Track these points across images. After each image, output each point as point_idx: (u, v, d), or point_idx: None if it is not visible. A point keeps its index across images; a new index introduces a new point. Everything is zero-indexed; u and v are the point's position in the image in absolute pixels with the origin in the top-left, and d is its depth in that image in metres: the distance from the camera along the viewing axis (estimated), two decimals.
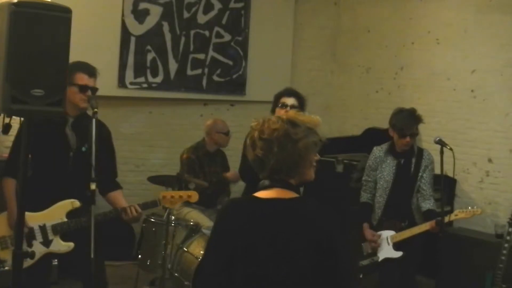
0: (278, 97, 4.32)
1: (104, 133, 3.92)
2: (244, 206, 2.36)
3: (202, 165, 5.84)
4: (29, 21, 2.85)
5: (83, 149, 3.74)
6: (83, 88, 3.74)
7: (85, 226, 3.68)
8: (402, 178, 4.70)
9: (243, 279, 2.24)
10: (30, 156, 3.61)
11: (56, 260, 4.07)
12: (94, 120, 3.53)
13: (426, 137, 6.37)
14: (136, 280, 5.25)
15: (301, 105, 4.30)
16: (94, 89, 3.80)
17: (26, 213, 3.54)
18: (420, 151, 4.77)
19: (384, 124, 6.79)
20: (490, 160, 5.91)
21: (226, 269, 2.26)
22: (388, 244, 4.66)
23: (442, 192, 4.95)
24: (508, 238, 4.66)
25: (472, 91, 6.07)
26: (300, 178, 2.34)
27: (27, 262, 3.56)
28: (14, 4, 2.81)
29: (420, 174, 4.69)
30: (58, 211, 3.68)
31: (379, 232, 4.68)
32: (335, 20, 7.55)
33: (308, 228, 2.22)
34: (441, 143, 4.85)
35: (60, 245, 3.69)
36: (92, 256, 3.40)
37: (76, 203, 3.69)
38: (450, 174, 5.59)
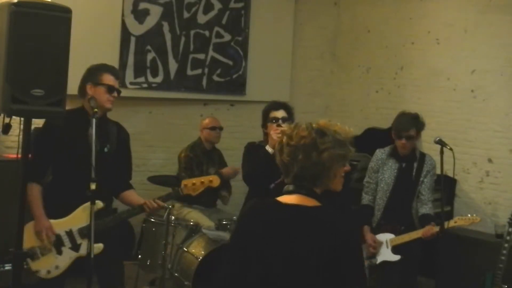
0: (267, 112, 4.33)
1: (123, 135, 3.94)
2: (265, 209, 2.34)
3: (200, 163, 5.84)
4: (29, 21, 2.85)
5: (105, 149, 3.74)
6: (110, 89, 3.76)
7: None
8: (403, 182, 4.71)
9: (255, 281, 2.23)
10: (50, 159, 3.64)
11: None
12: (94, 120, 3.53)
13: (426, 137, 6.37)
14: (136, 280, 5.25)
15: (290, 115, 4.32)
16: (119, 92, 3.82)
17: (51, 220, 3.57)
18: (423, 156, 4.79)
19: (384, 124, 6.81)
20: (490, 160, 5.91)
21: (242, 269, 2.26)
22: (387, 247, 4.64)
23: (442, 192, 4.95)
24: (508, 238, 4.66)
25: (472, 91, 6.07)
26: (324, 187, 2.31)
27: (58, 270, 3.58)
28: (14, 4, 2.81)
29: (421, 179, 4.70)
30: (82, 215, 3.62)
31: (378, 235, 4.67)
32: (335, 20, 7.55)
33: (326, 236, 2.18)
34: (441, 143, 4.85)
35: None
36: (92, 256, 3.40)
37: (100, 204, 3.60)
38: (450, 174, 5.58)
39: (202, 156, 5.88)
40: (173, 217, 5.06)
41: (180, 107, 6.83)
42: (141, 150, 6.67)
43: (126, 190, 3.98)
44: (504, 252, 4.63)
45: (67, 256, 3.62)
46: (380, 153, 4.86)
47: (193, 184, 4.01)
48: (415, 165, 4.73)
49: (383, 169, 4.77)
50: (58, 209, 3.63)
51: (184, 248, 5.02)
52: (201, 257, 4.85)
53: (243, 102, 7.08)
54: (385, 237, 4.67)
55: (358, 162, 6.28)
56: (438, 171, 4.82)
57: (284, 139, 2.29)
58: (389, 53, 6.91)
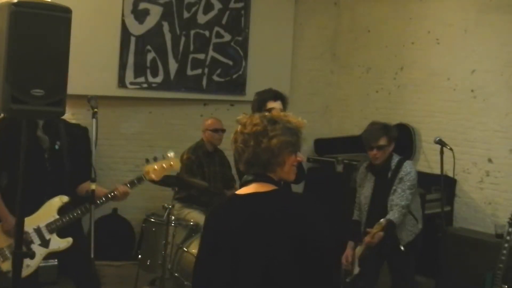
0: (264, 101, 4.20)
1: (73, 130, 3.97)
2: (224, 205, 2.44)
3: (201, 165, 5.84)
4: (29, 21, 2.85)
5: (56, 147, 3.77)
6: None
7: (78, 218, 3.74)
8: (379, 194, 4.54)
9: (228, 276, 2.28)
10: (5, 164, 3.66)
11: (56, 260, 4.06)
12: (94, 120, 3.54)
13: (426, 137, 6.39)
14: (136, 280, 5.25)
15: (286, 106, 4.25)
16: None
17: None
18: (400, 164, 4.54)
19: None
20: (490, 160, 5.91)
21: (214, 268, 2.32)
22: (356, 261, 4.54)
23: (442, 192, 4.96)
24: (508, 238, 4.66)
25: (472, 91, 6.07)
26: (277, 175, 2.38)
27: (30, 269, 3.58)
28: (14, 4, 2.81)
29: (394, 187, 4.47)
30: (48, 210, 3.70)
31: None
32: (335, 20, 7.55)
33: (289, 221, 2.24)
34: (441, 143, 4.85)
35: (59, 242, 3.71)
36: (92, 256, 3.40)
37: (65, 198, 3.73)
38: (450, 174, 5.59)
39: (203, 157, 5.87)
40: (173, 217, 5.07)
41: (180, 107, 6.83)
42: (141, 150, 6.68)
43: (82, 182, 3.92)
44: (504, 252, 4.63)
45: (38, 253, 3.64)
46: (362, 168, 4.73)
47: (154, 170, 4.03)
48: (389, 174, 4.52)
49: (364, 184, 4.66)
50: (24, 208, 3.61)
51: (184, 248, 5.02)
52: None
53: (243, 102, 7.07)
54: (357, 250, 4.55)
55: (358, 162, 6.28)
56: (438, 171, 4.81)
57: (239, 127, 2.41)
58: (389, 53, 6.90)
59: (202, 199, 5.73)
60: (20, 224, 2.99)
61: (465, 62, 6.12)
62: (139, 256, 5.27)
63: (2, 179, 3.75)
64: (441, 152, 4.81)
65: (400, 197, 4.42)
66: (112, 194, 3.88)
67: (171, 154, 4.14)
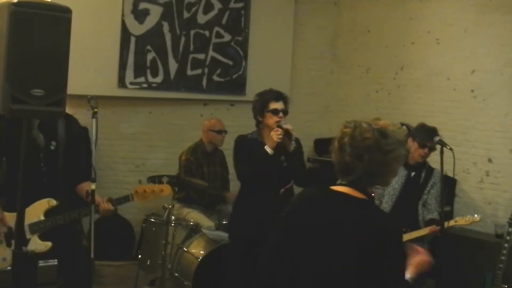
0: (266, 101, 4.25)
1: (74, 129, 3.89)
2: (318, 196, 2.44)
3: (200, 166, 5.83)
4: (29, 21, 2.85)
5: (52, 147, 3.74)
6: None
7: (61, 224, 3.69)
8: (410, 189, 4.81)
9: (293, 264, 2.31)
10: (4, 160, 3.65)
11: (55, 260, 4.06)
12: (94, 120, 3.53)
13: None
14: (136, 280, 5.25)
15: (286, 106, 4.31)
16: None
17: (6, 213, 3.57)
18: (431, 169, 4.90)
19: None
20: (490, 160, 5.91)
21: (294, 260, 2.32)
22: None
23: (442, 192, 4.95)
24: (508, 238, 4.66)
25: (472, 91, 6.07)
26: (378, 184, 2.42)
27: (5, 263, 3.58)
28: (14, 4, 2.81)
29: (428, 189, 4.82)
30: (35, 211, 3.66)
31: None
32: (335, 20, 7.55)
33: (369, 228, 2.24)
34: (441, 143, 4.85)
35: (37, 244, 3.66)
36: (92, 256, 3.40)
37: (52, 202, 3.68)
38: (450, 174, 5.57)
39: (202, 158, 5.86)
40: (173, 217, 5.07)
41: (180, 107, 6.83)
42: (141, 150, 6.68)
43: (81, 182, 3.87)
44: (504, 252, 4.63)
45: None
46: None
47: (144, 191, 4.00)
48: (423, 174, 4.86)
49: None
50: (11, 204, 3.59)
51: (184, 248, 5.02)
52: (201, 257, 4.85)
53: (243, 102, 7.07)
54: None
55: None
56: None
57: (346, 139, 2.35)
58: (389, 53, 6.90)
59: (201, 199, 5.74)
60: (20, 224, 2.99)
61: (465, 62, 6.12)
62: (139, 256, 5.27)
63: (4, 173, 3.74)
64: (441, 152, 4.79)
65: (435, 202, 4.80)
66: (96, 207, 3.75)
67: (165, 180, 4.25)
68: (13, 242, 3.57)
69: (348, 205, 2.31)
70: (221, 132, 5.91)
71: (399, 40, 6.80)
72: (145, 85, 6.44)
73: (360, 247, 2.19)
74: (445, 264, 5.09)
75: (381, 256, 2.18)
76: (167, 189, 4.10)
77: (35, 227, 3.66)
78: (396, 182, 4.80)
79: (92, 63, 5.97)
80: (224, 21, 6.79)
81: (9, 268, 3.57)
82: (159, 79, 6.50)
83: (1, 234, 3.60)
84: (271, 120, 4.23)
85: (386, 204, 4.81)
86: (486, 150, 5.93)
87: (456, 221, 4.67)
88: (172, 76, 6.56)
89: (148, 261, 5.15)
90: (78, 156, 3.90)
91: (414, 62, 6.65)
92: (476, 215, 4.67)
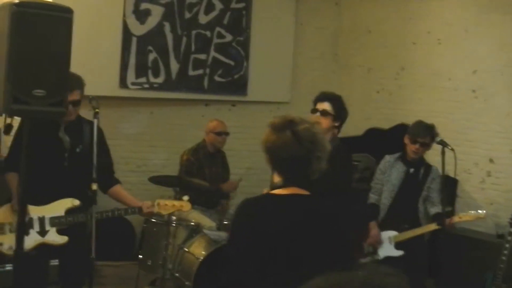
0: (315, 101, 4.32)
1: (97, 134, 3.95)
2: (267, 204, 2.46)
3: (201, 166, 5.83)
4: (30, 22, 2.86)
5: (77, 150, 3.87)
6: (75, 103, 3.82)
7: (81, 222, 3.81)
8: (409, 185, 4.83)
9: (279, 276, 2.32)
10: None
11: (56, 260, 4.08)
12: (95, 121, 3.56)
13: None
14: (137, 281, 5.25)
15: (336, 109, 4.15)
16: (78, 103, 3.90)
17: (30, 206, 3.62)
18: (429, 166, 4.91)
19: (385, 124, 6.80)
20: (491, 160, 5.91)
21: (261, 267, 2.34)
22: (390, 243, 4.72)
23: (443, 192, 4.95)
24: (509, 238, 4.66)
25: (473, 91, 6.07)
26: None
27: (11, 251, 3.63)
28: (15, 4, 2.81)
29: (427, 184, 4.83)
30: (58, 207, 3.80)
31: (382, 232, 4.76)
32: (336, 20, 7.55)
33: (333, 222, 2.42)
34: (442, 143, 4.85)
35: (55, 237, 3.78)
36: (93, 255, 3.42)
37: (76, 202, 3.82)
38: (452, 175, 5.58)
39: (204, 159, 5.87)
40: (174, 218, 5.06)
41: (182, 108, 6.83)
42: (142, 150, 6.69)
43: (113, 185, 4.13)
44: (505, 252, 4.63)
45: (32, 239, 3.71)
46: (389, 157, 5.01)
47: (166, 205, 4.22)
48: (422, 171, 4.87)
49: (390, 171, 4.91)
50: (36, 202, 3.72)
51: (185, 249, 5.02)
52: (202, 258, 4.85)
53: (245, 102, 7.09)
54: (388, 234, 4.78)
55: (359, 163, 6.28)
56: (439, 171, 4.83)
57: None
58: (390, 53, 6.90)
59: (201, 199, 5.74)
60: (21, 224, 3.00)
61: (466, 62, 6.12)
62: (140, 256, 5.27)
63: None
64: (442, 153, 4.80)
65: (438, 195, 4.79)
66: (138, 209, 4.07)
67: (185, 198, 4.46)
68: (31, 231, 3.71)
69: (307, 205, 2.42)
70: (221, 134, 5.91)
71: (400, 40, 6.80)
72: (146, 86, 6.45)
73: (342, 237, 2.41)
74: (445, 264, 5.09)
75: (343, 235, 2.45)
76: (187, 207, 4.39)
77: (56, 221, 3.78)
78: (395, 178, 4.84)
79: (93, 63, 5.98)
80: (225, 21, 6.79)
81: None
82: (160, 79, 6.50)
83: (13, 224, 3.67)
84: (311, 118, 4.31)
85: (386, 200, 4.85)
86: (488, 150, 5.93)
87: (460, 217, 4.67)
88: (173, 76, 6.56)
89: (149, 261, 5.15)
90: (104, 160, 4.01)
91: (415, 62, 6.65)
92: (480, 211, 4.68)
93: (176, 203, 4.33)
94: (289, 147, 2.37)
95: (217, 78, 6.81)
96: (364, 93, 7.20)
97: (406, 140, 4.86)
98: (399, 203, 4.82)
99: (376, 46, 7.05)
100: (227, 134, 5.96)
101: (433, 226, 4.64)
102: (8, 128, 3.19)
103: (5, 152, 5.51)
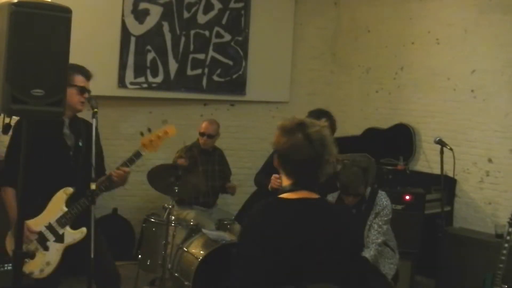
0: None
1: (89, 130, 3.89)
2: (280, 208, 2.44)
3: (195, 163, 5.82)
4: (29, 21, 2.85)
5: (80, 144, 3.75)
6: (82, 90, 3.76)
7: (86, 207, 3.62)
8: None
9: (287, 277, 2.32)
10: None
11: None
12: (94, 120, 3.54)
13: (426, 137, 6.39)
14: (136, 280, 5.25)
15: (333, 125, 4.28)
16: (89, 92, 3.82)
17: (29, 221, 3.51)
18: (374, 194, 4.41)
19: (384, 124, 6.81)
20: (490, 160, 5.91)
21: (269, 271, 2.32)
22: None
23: (442, 192, 4.96)
24: (508, 238, 4.66)
25: (472, 91, 6.07)
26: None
27: (50, 267, 3.57)
28: (14, 4, 2.81)
29: (369, 222, 4.35)
30: (55, 206, 3.65)
31: None
32: (335, 20, 7.55)
33: (344, 226, 2.46)
34: (441, 143, 4.86)
35: (73, 234, 3.65)
36: (92, 256, 3.40)
37: (69, 190, 3.65)
38: (450, 174, 5.60)
39: (199, 156, 5.87)
40: (173, 217, 5.06)
41: (180, 107, 6.83)
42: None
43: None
44: (504, 252, 4.63)
45: (54, 249, 3.61)
46: (331, 199, 4.48)
47: (151, 141, 3.90)
48: (363, 207, 4.37)
49: None
50: (35, 209, 3.57)
51: (184, 248, 5.02)
52: (201, 257, 4.85)
53: (243, 102, 7.08)
54: None
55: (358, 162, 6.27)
56: (438, 171, 4.80)
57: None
58: (389, 53, 6.91)
59: (202, 199, 5.74)
60: (20, 223, 2.99)
61: (465, 62, 6.13)
62: (139, 256, 5.27)
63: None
64: (441, 152, 4.81)
65: (376, 234, 4.32)
66: (110, 179, 3.75)
67: (166, 123, 4.05)
68: (48, 244, 3.60)
69: (319, 209, 2.45)
70: (204, 135, 5.87)
71: (399, 40, 6.80)
72: (145, 85, 6.44)
73: (351, 239, 2.44)
74: (445, 264, 5.10)
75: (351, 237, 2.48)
76: (171, 130, 4.00)
77: (63, 220, 3.64)
78: None
79: (92, 63, 5.88)
80: (224, 21, 6.79)
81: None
82: (159, 79, 6.50)
83: (33, 242, 3.58)
84: None
85: None
86: (486, 150, 5.93)
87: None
88: (172, 76, 6.56)
89: (148, 261, 5.15)
90: (96, 155, 3.81)
91: (414, 62, 6.65)
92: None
93: (160, 132, 3.94)
94: (301, 150, 2.38)
95: (215, 78, 6.81)
96: (363, 93, 7.21)
97: (339, 188, 4.35)
98: None
99: (375, 46, 7.06)
100: (210, 136, 5.88)
101: None
102: (6, 128, 3.17)
103: (3, 152, 5.51)
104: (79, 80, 3.76)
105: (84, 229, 3.65)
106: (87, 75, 3.83)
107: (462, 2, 6.19)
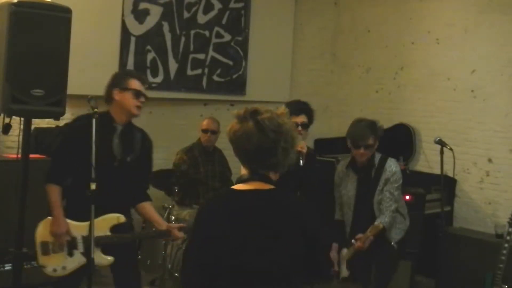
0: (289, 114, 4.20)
1: (147, 143, 3.87)
2: (226, 200, 2.34)
3: (196, 164, 5.82)
4: (29, 21, 2.86)
5: (128, 159, 3.69)
6: (137, 94, 3.70)
7: (128, 241, 3.69)
8: (363, 194, 4.40)
9: (231, 274, 2.22)
10: (72, 163, 3.54)
11: None
12: (94, 120, 3.53)
13: (426, 137, 6.39)
14: None
15: (310, 118, 4.14)
16: (146, 97, 3.78)
17: (71, 221, 3.53)
18: (383, 162, 4.40)
19: (384, 124, 6.77)
20: (490, 160, 5.91)
21: (215, 263, 2.23)
22: (343, 263, 4.35)
23: (442, 192, 4.96)
24: (508, 238, 4.66)
25: (472, 91, 6.07)
26: (276, 175, 2.37)
27: (64, 271, 3.55)
28: (14, 4, 2.81)
29: (379, 187, 4.34)
30: (103, 224, 3.58)
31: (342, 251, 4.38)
32: (335, 20, 7.55)
33: (294, 218, 2.26)
34: (441, 143, 4.85)
35: (101, 258, 3.60)
36: (92, 256, 3.40)
37: (122, 218, 3.64)
38: (450, 174, 5.60)
39: (200, 156, 5.87)
40: (173, 217, 5.06)
41: (180, 107, 6.83)
42: None
43: (143, 201, 3.88)
44: (504, 252, 4.63)
45: (76, 260, 3.57)
46: (340, 166, 4.58)
47: None
48: (372, 173, 4.38)
49: (345, 182, 4.49)
50: (78, 213, 3.55)
51: (184, 248, 5.02)
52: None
53: (243, 102, 7.07)
54: (344, 253, 4.38)
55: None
56: (438, 171, 4.79)
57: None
58: (389, 53, 6.91)
59: (202, 199, 5.74)
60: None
61: (465, 62, 6.13)
62: (139, 256, 5.26)
63: (69, 178, 3.66)
64: (441, 152, 4.80)
65: (389, 200, 4.31)
66: (164, 233, 3.89)
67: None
68: (75, 252, 3.56)
69: (264, 200, 2.27)
70: (207, 131, 5.90)
71: (399, 40, 6.80)
72: (145, 85, 6.43)
73: (295, 239, 2.23)
74: (445, 264, 5.09)
75: (311, 241, 2.26)
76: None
77: (101, 241, 3.57)
78: (350, 189, 4.44)
79: (92, 63, 5.96)
80: (224, 21, 6.79)
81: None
82: (159, 79, 6.49)
83: (64, 243, 3.56)
84: None
85: (347, 215, 4.46)
86: (486, 150, 5.93)
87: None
88: (172, 76, 6.56)
89: (148, 261, 5.15)
90: (145, 171, 3.88)
91: (414, 62, 6.65)
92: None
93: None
94: (252, 137, 2.27)
95: (215, 78, 6.81)
96: (363, 93, 7.21)
97: (349, 144, 4.39)
98: (360, 216, 4.38)
99: (375, 46, 7.06)
100: (214, 132, 5.91)
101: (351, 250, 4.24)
102: (6, 128, 3.17)
103: (4, 152, 5.51)
104: (134, 84, 3.70)
105: (112, 259, 3.63)
106: (143, 80, 3.79)
107: (462, 2, 6.19)
